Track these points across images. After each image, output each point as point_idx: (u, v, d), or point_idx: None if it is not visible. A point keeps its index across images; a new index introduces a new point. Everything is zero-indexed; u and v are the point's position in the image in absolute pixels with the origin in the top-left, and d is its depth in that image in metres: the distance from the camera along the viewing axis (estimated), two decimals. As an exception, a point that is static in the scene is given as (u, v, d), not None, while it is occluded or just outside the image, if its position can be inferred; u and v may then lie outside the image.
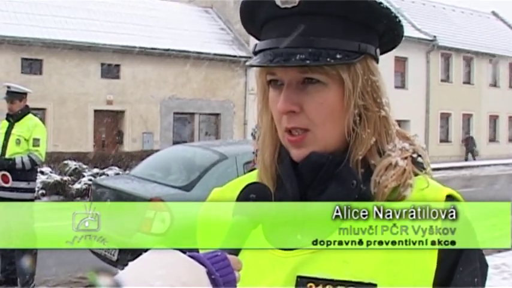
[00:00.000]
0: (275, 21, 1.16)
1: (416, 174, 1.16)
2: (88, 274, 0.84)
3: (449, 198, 1.13)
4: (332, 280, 1.08)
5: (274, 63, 1.11)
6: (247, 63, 1.19)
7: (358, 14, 1.12)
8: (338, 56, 1.11)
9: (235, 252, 1.01)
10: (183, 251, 0.93)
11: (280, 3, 1.11)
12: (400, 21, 1.18)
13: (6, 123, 7.35)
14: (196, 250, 1.29)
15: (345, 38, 1.12)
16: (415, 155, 1.19)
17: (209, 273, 0.91)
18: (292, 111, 1.13)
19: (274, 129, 1.21)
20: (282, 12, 1.13)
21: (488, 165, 31.80)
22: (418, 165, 1.18)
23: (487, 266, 1.15)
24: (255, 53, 1.18)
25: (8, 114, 7.38)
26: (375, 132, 1.15)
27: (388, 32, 1.19)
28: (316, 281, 1.09)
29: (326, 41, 1.11)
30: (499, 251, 10.34)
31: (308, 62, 1.09)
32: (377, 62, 1.19)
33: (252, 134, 5.84)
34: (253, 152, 5.62)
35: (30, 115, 7.40)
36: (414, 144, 1.21)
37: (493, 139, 38.89)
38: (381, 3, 1.12)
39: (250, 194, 1.09)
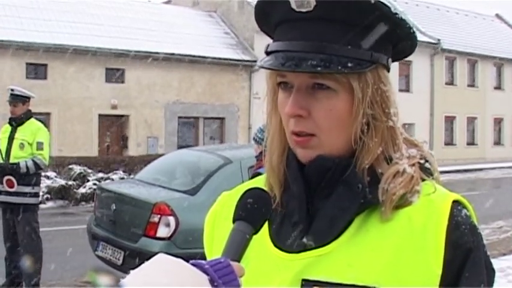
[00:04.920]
0: (289, 23, 1.15)
1: (423, 180, 1.17)
2: (88, 274, 0.85)
3: (456, 203, 1.14)
4: (337, 284, 1.09)
5: (285, 67, 1.11)
6: (258, 64, 1.19)
7: (372, 23, 1.12)
8: (349, 65, 1.10)
9: (238, 258, 1.01)
10: (186, 259, 0.93)
11: (295, 6, 1.11)
12: (414, 32, 1.18)
13: (8, 128, 7.36)
14: (203, 253, 1.30)
15: (358, 46, 1.12)
16: (422, 161, 1.19)
17: (212, 281, 0.91)
18: (300, 115, 1.13)
19: (282, 131, 1.21)
20: (297, 16, 1.12)
21: (493, 168, 31.75)
22: (426, 171, 1.18)
23: (493, 271, 1.15)
24: (267, 53, 1.18)
25: (10, 119, 7.40)
26: (382, 141, 1.15)
27: (401, 41, 1.19)
28: (321, 284, 1.10)
29: (338, 48, 1.11)
30: (504, 253, 10.34)
31: (319, 68, 1.09)
32: (388, 71, 1.19)
33: (253, 138, 5.82)
34: (256, 156, 5.62)
35: (32, 119, 7.42)
36: (422, 151, 1.21)
37: (497, 142, 38.84)
38: (396, 13, 1.12)
39: (248, 199, 1.09)
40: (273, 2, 1.16)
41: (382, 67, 1.17)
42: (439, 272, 1.07)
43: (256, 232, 1.07)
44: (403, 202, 1.13)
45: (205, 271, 0.92)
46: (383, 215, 1.12)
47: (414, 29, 1.18)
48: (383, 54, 1.16)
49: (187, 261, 0.93)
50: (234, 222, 1.06)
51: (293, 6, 1.12)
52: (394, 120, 1.17)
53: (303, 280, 1.11)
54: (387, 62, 1.18)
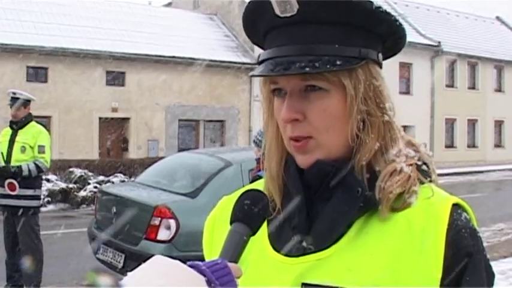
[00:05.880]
0: (276, 30, 1.16)
1: (422, 183, 1.16)
2: (88, 275, 0.85)
3: (455, 206, 1.13)
4: (336, 287, 1.09)
5: (274, 72, 1.12)
6: (250, 74, 1.20)
7: (357, 20, 1.12)
8: (338, 62, 1.10)
9: (236, 259, 1.01)
10: (183, 260, 0.93)
11: (279, 12, 1.12)
12: (401, 24, 1.18)
13: (9, 131, 7.37)
14: (203, 256, 1.30)
15: (345, 44, 1.12)
16: (419, 163, 1.18)
17: (209, 282, 0.92)
18: (296, 119, 1.13)
19: (280, 137, 1.21)
20: (282, 22, 1.13)
21: (494, 171, 31.75)
22: (423, 173, 1.18)
23: (493, 275, 1.15)
24: (259, 62, 1.19)
25: (11, 122, 7.40)
26: (379, 137, 1.15)
27: (390, 36, 1.19)
28: None
29: (325, 48, 1.11)
30: (505, 256, 10.33)
31: (307, 69, 1.09)
32: (380, 67, 1.19)
33: (254, 141, 5.84)
34: (256, 159, 5.62)
35: (33, 122, 7.42)
36: (419, 151, 1.20)
37: (498, 144, 38.82)
38: (379, 7, 1.12)
39: (245, 200, 1.09)
40: (259, 11, 1.17)
41: (373, 63, 1.17)
42: (439, 275, 1.06)
43: (253, 233, 1.07)
44: (401, 204, 1.12)
45: (202, 272, 0.92)
46: (380, 213, 1.12)
47: (401, 22, 1.18)
48: (372, 49, 1.16)
49: (186, 262, 0.94)
50: (231, 223, 1.07)
51: (277, 12, 1.12)
52: (389, 115, 1.17)
53: (303, 284, 1.12)
54: (377, 57, 1.18)
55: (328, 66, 1.10)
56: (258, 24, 1.20)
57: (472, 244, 1.10)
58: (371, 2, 1.12)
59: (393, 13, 1.16)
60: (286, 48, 1.14)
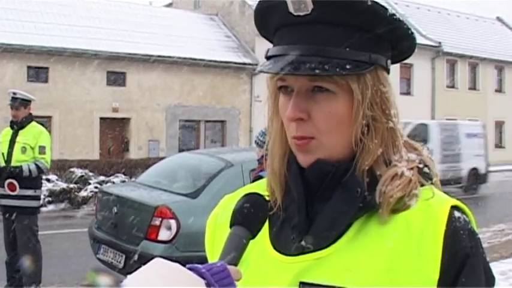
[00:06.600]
0: (288, 27, 1.16)
1: (422, 185, 1.16)
2: (88, 274, 0.85)
3: (454, 208, 1.14)
4: (334, 287, 1.09)
5: (284, 70, 1.12)
6: (258, 69, 1.20)
7: (370, 25, 1.12)
8: (348, 67, 1.10)
9: (235, 262, 1.02)
10: (186, 262, 0.93)
11: (293, 10, 1.12)
12: (412, 33, 1.18)
13: (9, 131, 7.36)
14: (204, 257, 1.30)
15: (356, 48, 1.12)
16: (421, 165, 1.19)
17: (208, 285, 0.92)
18: (301, 118, 1.14)
19: (284, 134, 1.21)
20: (295, 20, 1.13)
21: (495, 171, 31.68)
22: (425, 176, 1.18)
23: (493, 278, 1.15)
24: (267, 58, 1.19)
25: (12, 122, 7.39)
26: (382, 143, 1.16)
27: (400, 43, 1.19)
28: (318, 287, 1.10)
29: (336, 51, 1.11)
30: (506, 257, 10.33)
31: (317, 71, 1.09)
32: (388, 73, 1.19)
33: (255, 141, 5.84)
34: (258, 160, 5.62)
35: (34, 123, 7.41)
36: (422, 155, 1.20)
37: (499, 145, 38.80)
38: (394, 14, 1.13)
39: (245, 204, 1.10)
40: (272, 7, 1.17)
41: (382, 68, 1.17)
42: (436, 277, 1.07)
43: (253, 237, 1.08)
44: (401, 206, 1.13)
45: (201, 275, 0.93)
46: (380, 217, 1.12)
47: (412, 30, 1.18)
48: (382, 55, 1.16)
49: (185, 265, 0.94)
50: (231, 226, 1.08)
51: (291, 10, 1.12)
52: (394, 121, 1.17)
53: (301, 283, 1.12)
54: (386, 63, 1.18)
55: (337, 69, 1.10)
56: (269, 19, 1.20)
57: (470, 246, 1.10)
58: (386, 8, 1.12)
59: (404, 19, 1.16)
60: (296, 47, 1.13)
